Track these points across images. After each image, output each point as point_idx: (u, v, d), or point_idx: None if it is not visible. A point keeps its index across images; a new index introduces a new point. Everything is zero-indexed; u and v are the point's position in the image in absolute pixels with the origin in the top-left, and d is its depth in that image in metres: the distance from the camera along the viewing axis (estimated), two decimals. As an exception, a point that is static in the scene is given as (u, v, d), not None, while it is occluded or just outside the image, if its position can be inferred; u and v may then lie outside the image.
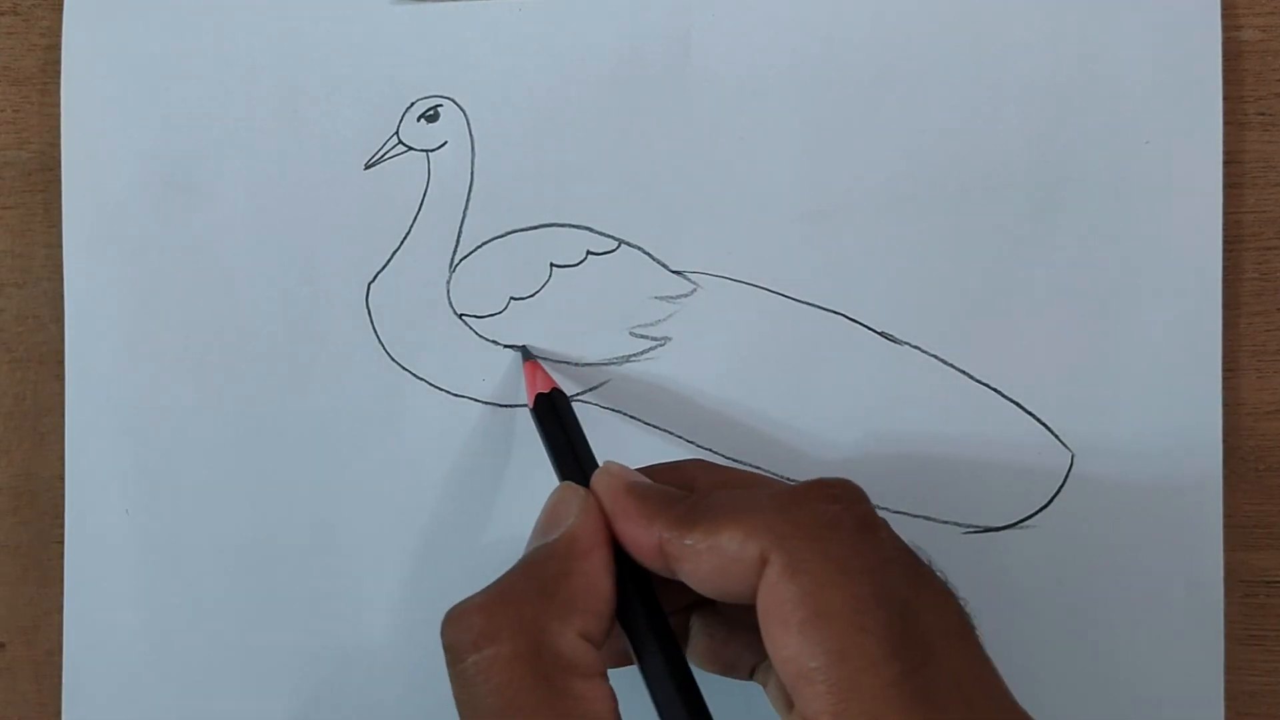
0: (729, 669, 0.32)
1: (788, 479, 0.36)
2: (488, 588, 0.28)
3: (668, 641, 0.28)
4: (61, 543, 0.38)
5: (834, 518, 0.26)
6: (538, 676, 0.26)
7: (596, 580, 0.28)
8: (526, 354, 0.36)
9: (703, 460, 0.33)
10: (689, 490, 0.30)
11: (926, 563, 0.27)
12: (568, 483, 0.31)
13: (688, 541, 0.27)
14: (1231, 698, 0.35)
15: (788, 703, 0.26)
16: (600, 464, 0.31)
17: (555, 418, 0.33)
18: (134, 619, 0.38)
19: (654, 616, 0.29)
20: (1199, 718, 0.35)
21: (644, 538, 0.28)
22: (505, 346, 0.37)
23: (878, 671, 0.24)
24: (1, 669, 0.39)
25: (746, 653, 0.31)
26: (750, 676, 0.32)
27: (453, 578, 0.37)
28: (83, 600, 0.38)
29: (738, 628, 0.31)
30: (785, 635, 0.25)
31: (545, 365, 0.36)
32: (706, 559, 0.27)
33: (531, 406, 0.34)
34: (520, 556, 0.29)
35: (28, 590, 0.39)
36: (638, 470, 0.31)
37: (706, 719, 0.27)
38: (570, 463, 0.32)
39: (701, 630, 0.32)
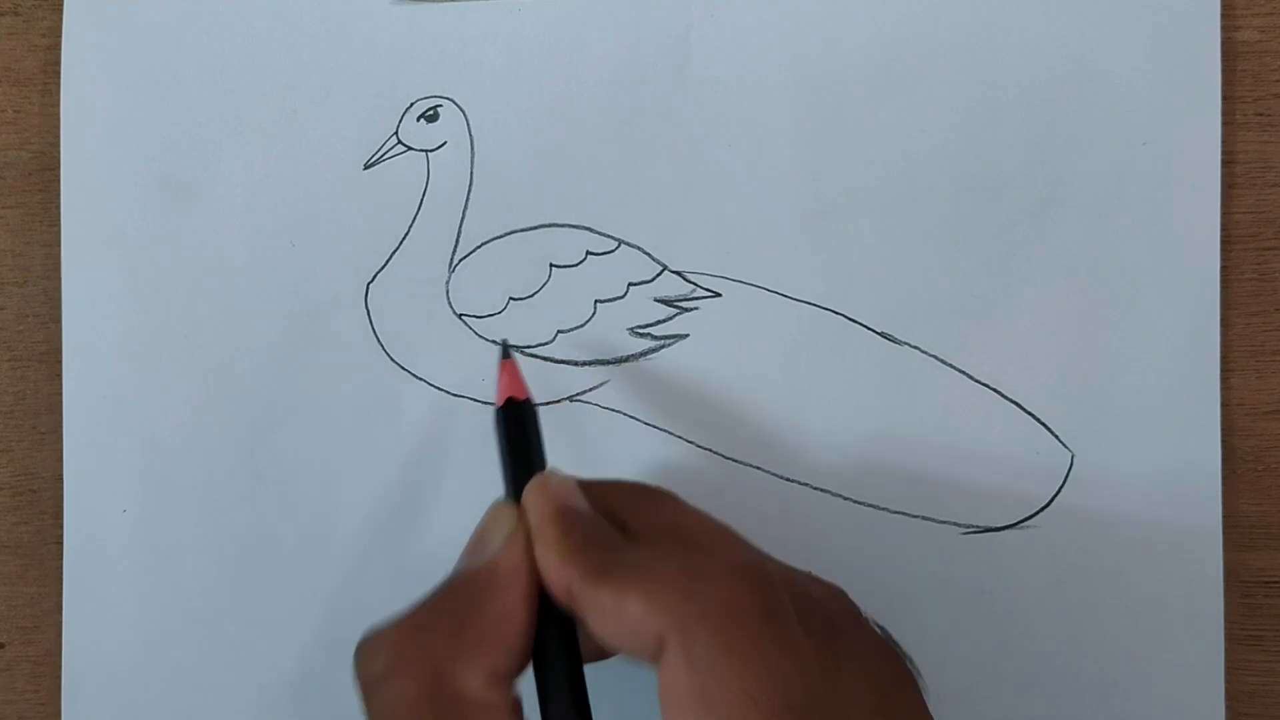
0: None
1: (788, 479, 0.36)
2: (400, 616, 0.27)
3: (578, 691, 0.27)
4: (61, 542, 0.38)
5: (739, 605, 0.25)
6: (440, 717, 0.25)
7: (512, 612, 0.26)
8: (505, 352, 0.33)
9: (660, 492, 0.30)
10: (625, 527, 0.28)
11: (879, 637, 0.26)
12: (502, 502, 0.29)
13: (595, 597, 0.25)
14: (1231, 698, 0.35)
15: None
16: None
17: (520, 428, 0.31)
18: (133, 618, 0.38)
19: (568, 659, 0.27)
20: (1199, 718, 0.35)
21: (557, 576, 0.26)
22: (490, 341, 0.37)
23: None
24: (1, 669, 0.39)
25: None
26: None
27: (452, 578, 0.37)
28: (82, 599, 0.38)
29: None
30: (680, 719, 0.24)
31: (523, 365, 0.34)
32: (611, 621, 0.25)
33: (499, 406, 0.31)
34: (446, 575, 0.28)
35: (27, 590, 0.39)
36: (594, 482, 0.29)
37: None
38: (522, 481, 0.29)
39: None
